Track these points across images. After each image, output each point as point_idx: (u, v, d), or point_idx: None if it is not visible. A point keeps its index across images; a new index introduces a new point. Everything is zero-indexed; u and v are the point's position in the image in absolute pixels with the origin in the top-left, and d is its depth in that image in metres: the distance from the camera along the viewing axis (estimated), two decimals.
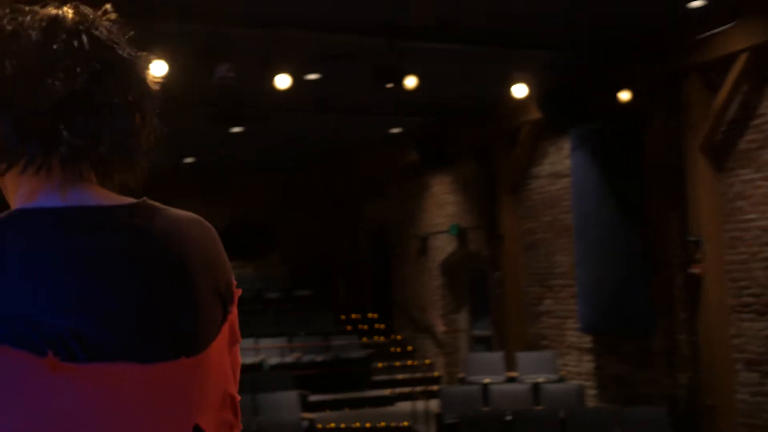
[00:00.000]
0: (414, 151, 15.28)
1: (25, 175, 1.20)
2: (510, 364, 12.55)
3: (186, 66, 9.57)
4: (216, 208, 18.85)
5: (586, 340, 12.04)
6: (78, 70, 1.19)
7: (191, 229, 1.26)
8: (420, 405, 12.34)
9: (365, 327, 17.27)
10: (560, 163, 12.57)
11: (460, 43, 10.39)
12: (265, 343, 14.71)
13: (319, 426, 12.18)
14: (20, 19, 1.22)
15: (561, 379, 11.94)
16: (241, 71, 9.62)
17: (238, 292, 1.33)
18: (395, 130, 15.66)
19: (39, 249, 1.13)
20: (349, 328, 16.85)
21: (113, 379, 1.11)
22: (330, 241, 19.20)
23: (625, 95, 10.54)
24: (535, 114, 12.28)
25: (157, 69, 8.89)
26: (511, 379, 12.15)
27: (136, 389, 1.12)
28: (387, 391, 14.61)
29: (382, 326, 17.37)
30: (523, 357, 12.35)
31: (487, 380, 11.95)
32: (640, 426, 9.68)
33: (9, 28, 1.20)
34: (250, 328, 15.26)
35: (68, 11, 1.24)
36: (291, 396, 11.34)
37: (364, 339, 16.41)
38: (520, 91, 10.46)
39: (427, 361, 15.80)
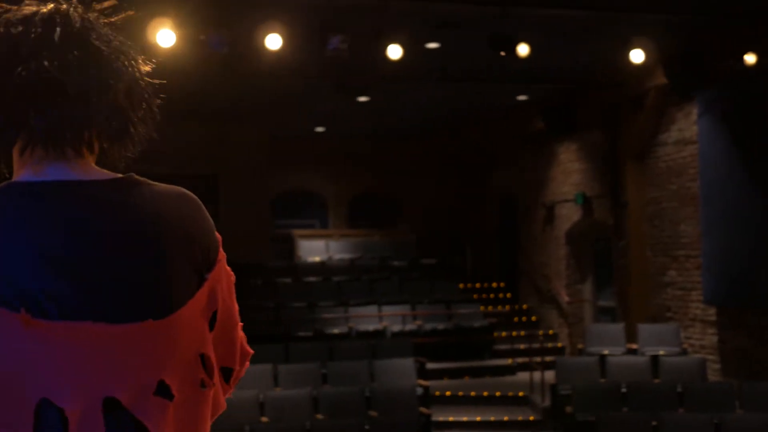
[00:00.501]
0: (540, 119, 15.09)
1: (15, 153, 1.35)
2: (631, 336, 12.28)
3: (304, 37, 9.73)
4: (345, 177, 19.18)
5: (711, 313, 11.64)
6: (50, 59, 1.30)
7: (170, 202, 1.37)
8: (540, 375, 12.25)
9: (491, 296, 17.22)
10: (688, 129, 12.12)
11: (581, 9, 10.16)
12: (388, 310, 14.89)
13: (437, 393, 12.30)
14: (2, 16, 1.34)
15: (683, 353, 11.60)
16: (359, 42, 9.73)
17: (223, 256, 1.43)
18: (521, 98, 15.46)
19: (18, 217, 1.27)
20: (475, 296, 16.85)
21: (82, 337, 1.23)
22: (458, 210, 19.20)
23: (751, 58, 10.04)
24: (662, 79, 11.89)
25: (273, 42, 9.09)
26: (631, 351, 11.90)
27: (103, 346, 1.24)
28: (509, 361, 14.56)
29: (508, 295, 17.28)
30: (645, 329, 12.05)
31: (605, 352, 11.75)
32: (760, 401, 9.33)
33: None
34: (374, 296, 15.51)
35: (47, 6, 1.36)
36: (407, 363, 11.46)
37: (489, 308, 16.38)
38: (637, 56, 10.13)
39: (551, 332, 15.64)
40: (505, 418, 11.51)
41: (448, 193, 19.11)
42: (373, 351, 12.18)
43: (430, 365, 13.19)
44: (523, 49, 9.67)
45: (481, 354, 14.74)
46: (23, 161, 1.34)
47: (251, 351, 1.55)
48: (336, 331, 14.22)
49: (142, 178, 1.38)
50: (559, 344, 15.34)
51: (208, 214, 1.43)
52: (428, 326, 14.60)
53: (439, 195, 19.10)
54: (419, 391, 10.81)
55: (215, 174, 16.71)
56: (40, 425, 1.21)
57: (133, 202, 1.33)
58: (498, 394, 12.44)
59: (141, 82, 1.41)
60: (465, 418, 11.49)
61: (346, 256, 17.73)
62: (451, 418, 11.43)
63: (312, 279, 16.31)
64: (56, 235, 1.26)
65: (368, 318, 14.71)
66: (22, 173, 1.34)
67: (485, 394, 12.44)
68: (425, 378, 11.97)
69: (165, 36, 7.75)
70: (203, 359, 1.35)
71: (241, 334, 1.52)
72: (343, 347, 12.45)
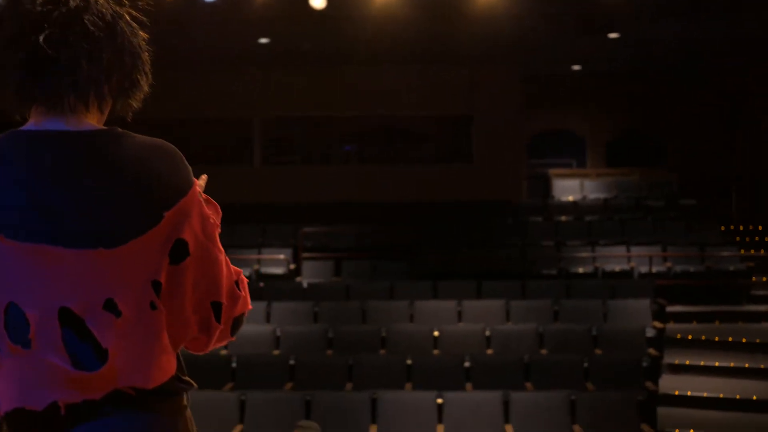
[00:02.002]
0: None
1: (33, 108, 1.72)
2: None
3: None
4: (603, 115, 18.82)
5: None
6: (48, 35, 1.63)
7: (138, 151, 1.65)
8: None
9: (755, 239, 16.30)
10: None
11: None
12: (637, 251, 14.60)
13: (678, 336, 12.00)
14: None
15: None
16: None
17: (197, 200, 1.69)
18: None
19: (5, 156, 1.63)
20: (737, 239, 16.04)
21: (43, 257, 1.59)
22: (725, 150, 18.21)
23: None
24: None
25: None
26: None
27: (60, 266, 1.59)
28: (765, 307, 13.81)
29: None
30: None
31: None
32: None
33: (7, 6, 1.68)
34: (625, 236, 15.24)
35: None
36: (643, 304, 11.29)
37: (752, 251, 15.54)
38: None
39: None
40: (746, 365, 11.03)
41: (713, 133, 18.18)
42: (612, 291, 12.08)
43: (675, 308, 12.86)
44: None
45: (737, 299, 14.09)
46: (32, 115, 1.68)
47: (241, 293, 1.77)
48: (581, 270, 14.18)
49: (123, 131, 1.67)
50: None
51: (180, 162, 1.68)
52: (678, 268, 14.16)
53: (704, 134, 18.21)
54: (651, 332, 10.65)
55: (469, 116, 17.06)
56: (9, 321, 1.57)
57: (102, 149, 1.62)
58: (744, 340, 11.90)
59: (132, 47, 1.71)
60: (702, 363, 11.14)
61: (601, 195, 17.47)
62: (687, 362, 11.14)
63: (563, 218, 16.30)
64: (32, 173, 1.59)
65: (616, 258, 14.52)
66: (27, 123, 1.69)
67: (730, 339, 11.95)
68: (664, 320, 11.72)
69: None
70: (154, 285, 1.62)
71: (236, 278, 1.76)
72: (581, 286, 12.43)
